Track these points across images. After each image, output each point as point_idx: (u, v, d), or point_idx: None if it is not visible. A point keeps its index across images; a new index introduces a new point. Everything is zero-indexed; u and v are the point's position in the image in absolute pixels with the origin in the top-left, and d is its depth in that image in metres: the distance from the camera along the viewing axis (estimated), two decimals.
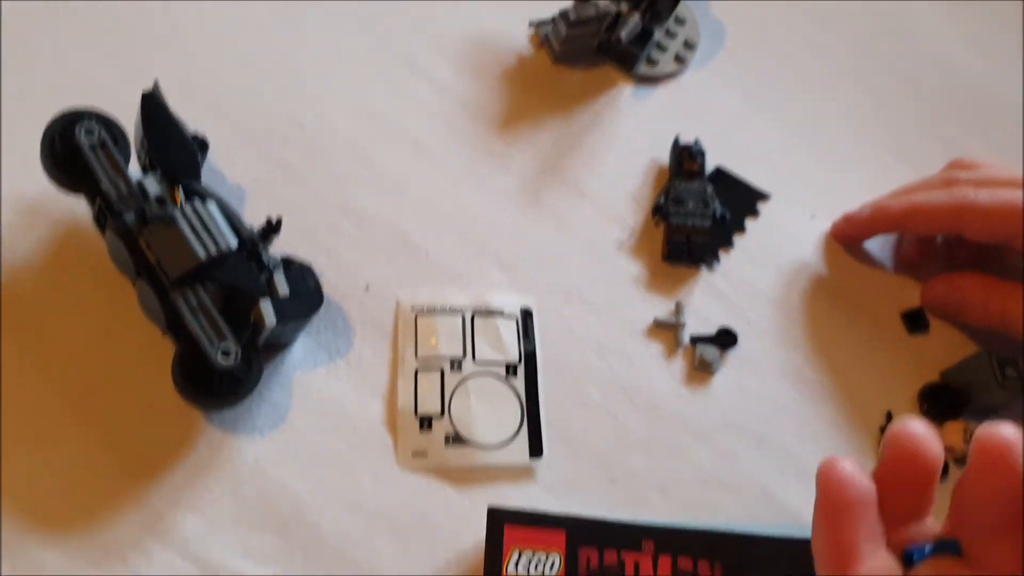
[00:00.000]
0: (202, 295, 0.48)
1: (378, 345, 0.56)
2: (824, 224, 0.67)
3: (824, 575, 0.38)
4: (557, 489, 0.54)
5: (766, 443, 0.57)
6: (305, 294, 0.52)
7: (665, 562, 0.52)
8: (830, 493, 0.40)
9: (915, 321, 0.64)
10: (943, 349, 0.63)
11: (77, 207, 0.54)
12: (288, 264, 0.52)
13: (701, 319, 0.61)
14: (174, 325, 0.48)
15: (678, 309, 0.60)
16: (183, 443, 0.51)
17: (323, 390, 0.54)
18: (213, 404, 0.49)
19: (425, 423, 0.54)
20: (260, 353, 0.50)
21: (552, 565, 0.50)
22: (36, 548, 0.48)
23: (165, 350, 0.50)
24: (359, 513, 0.51)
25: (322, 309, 0.56)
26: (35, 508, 0.49)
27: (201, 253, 0.47)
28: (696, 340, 0.59)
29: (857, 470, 0.40)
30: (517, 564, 0.49)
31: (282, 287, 0.50)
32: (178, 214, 0.48)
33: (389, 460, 0.53)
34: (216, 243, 0.48)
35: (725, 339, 0.59)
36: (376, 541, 0.51)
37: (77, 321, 0.54)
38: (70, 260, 0.55)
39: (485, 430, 0.54)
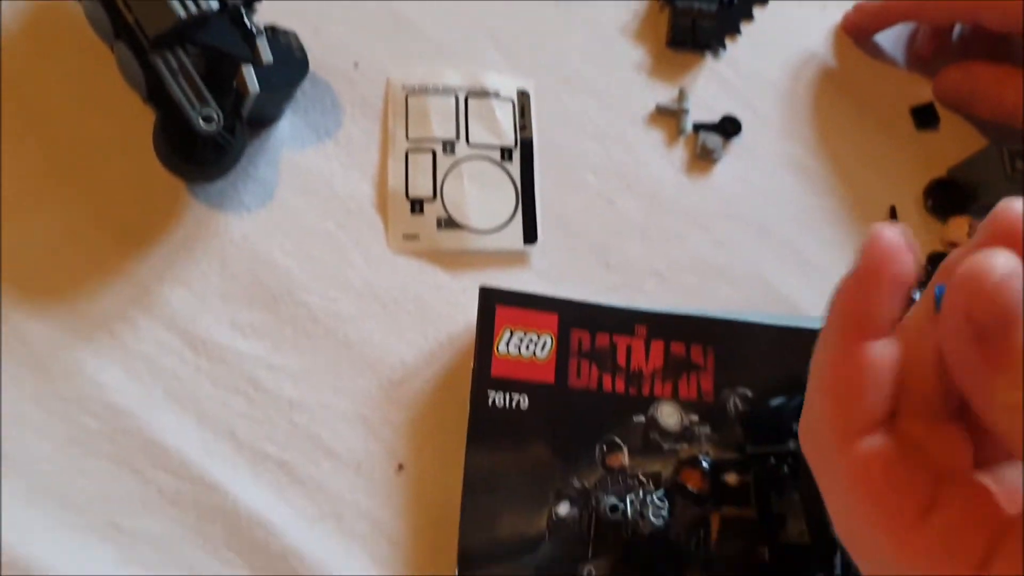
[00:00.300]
0: (183, 58, 0.45)
1: (368, 125, 0.54)
2: (835, 15, 0.63)
3: (832, 345, 0.31)
4: (551, 275, 0.53)
5: (766, 233, 0.56)
6: (290, 62, 0.49)
7: (657, 347, 0.52)
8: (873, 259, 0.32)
9: (924, 116, 0.61)
10: (952, 146, 0.61)
11: None
12: (272, 31, 0.50)
13: (704, 107, 0.58)
14: (155, 90, 0.46)
15: (681, 96, 0.58)
16: (169, 217, 0.50)
17: (312, 170, 0.52)
18: (196, 173, 0.47)
19: (416, 206, 0.53)
20: (244, 123, 0.48)
21: (544, 346, 0.50)
22: (21, 319, 0.47)
23: (148, 121, 0.48)
24: (350, 292, 0.51)
25: (309, 87, 0.53)
26: (19, 279, 0.47)
27: (180, 12, 0.44)
28: (699, 128, 0.57)
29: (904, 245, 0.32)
30: (508, 344, 0.49)
31: (265, 53, 0.47)
32: None
33: (380, 242, 0.52)
34: (196, 3, 0.45)
35: (728, 127, 0.57)
36: (367, 321, 0.50)
37: (57, 91, 0.51)
38: (48, 27, 0.52)
39: (478, 214, 0.53)
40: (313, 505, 0.47)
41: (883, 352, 0.30)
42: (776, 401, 0.49)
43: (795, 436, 0.47)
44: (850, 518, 0.30)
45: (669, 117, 0.57)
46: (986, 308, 0.26)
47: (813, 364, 0.32)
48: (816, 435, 0.31)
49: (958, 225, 0.57)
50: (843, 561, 0.47)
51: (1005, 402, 0.26)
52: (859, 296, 0.30)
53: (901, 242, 0.30)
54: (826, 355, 0.31)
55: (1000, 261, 0.26)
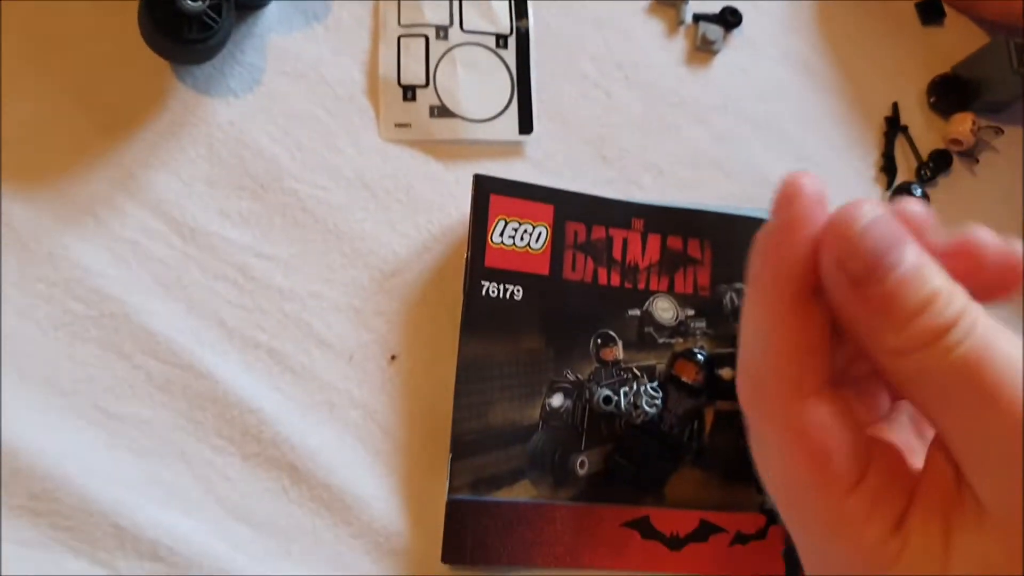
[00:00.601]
0: None
1: (358, 10, 0.52)
2: None
3: (775, 299, 0.27)
4: (546, 166, 0.52)
5: (765, 127, 0.55)
6: None
7: (654, 240, 0.51)
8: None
9: (929, 11, 0.60)
10: (956, 43, 0.59)
11: None
12: None
13: None
14: None
15: None
16: (155, 101, 0.48)
17: (300, 55, 0.51)
18: (182, 54, 0.46)
19: (409, 93, 0.51)
20: (231, 4, 0.46)
21: (538, 237, 0.49)
22: (5, 202, 0.45)
23: (132, 1, 0.46)
24: (340, 181, 0.49)
25: None
26: (3, 162, 0.46)
27: None
28: (699, 18, 0.56)
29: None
30: (502, 234, 0.48)
31: None
32: None
33: (371, 130, 0.51)
34: None
35: (729, 18, 0.56)
36: (358, 211, 0.49)
37: None
38: None
39: (473, 103, 0.52)
40: (305, 394, 0.47)
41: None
42: None
43: None
44: (787, 479, 0.28)
45: (668, 7, 0.56)
46: (855, 253, 0.25)
47: (750, 314, 0.28)
48: (759, 390, 0.28)
49: (960, 121, 0.56)
50: None
51: (892, 347, 0.26)
52: (791, 247, 0.27)
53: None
54: (769, 309, 0.27)
55: (865, 209, 0.25)
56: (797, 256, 0.26)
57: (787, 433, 0.27)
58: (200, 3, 0.44)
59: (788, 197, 0.27)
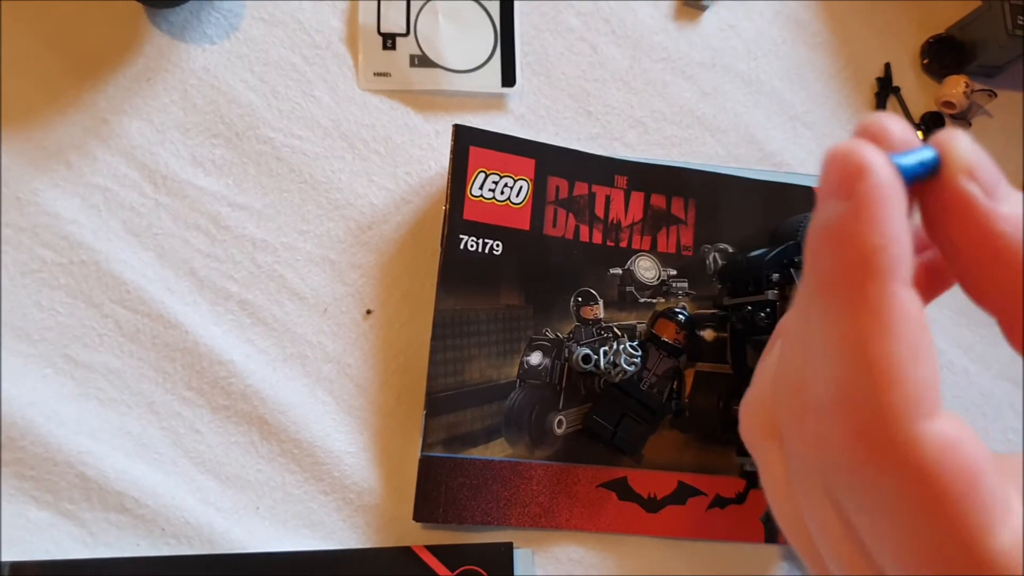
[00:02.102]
0: None
1: None
2: None
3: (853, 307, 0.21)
4: (529, 120, 0.51)
5: (754, 85, 0.54)
6: None
7: (637, 198, 0.50)
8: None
9: None
10: (951, 4, 0.58)
11: None
12: None
13: None
14: None
15: None
16: (129, 46, 0.47)
17: (278, 1, 0.50)
18: None
19: (388, 41, 0.50)
20: None
21: (519, 191, 0.48)
22: None
23: None
24: (316, 130, 0.48)
25: None
26: None
27: None
28: None
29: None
30: (482, 187, 0.47)
31: None
32: None
33: (349, 79, 0.50)
34: None
35: None
36: (334, 161, 0.48)
37: None
38: None
39: (454, 54, 0.50)
40: (277, 346, 0.46)
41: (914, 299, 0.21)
42: (756, 252, 0.48)
43: (775, 286, 0.46)
44: (924, 534, 0.21)
45: None
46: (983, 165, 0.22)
47: (832, 334, 0.21)
48: (873, 426, 0.21)
49: (954, 83, 0.55)
50: None
51: None
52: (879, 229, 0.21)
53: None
54: (865, 316, 0.21)
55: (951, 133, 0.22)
56: (887, 237, 0.21)
57: (919, 470, 0.21)
58: None
59: (852, 174, 0.21)
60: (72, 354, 0.44)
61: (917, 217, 0.23)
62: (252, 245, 0.46)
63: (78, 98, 0.46)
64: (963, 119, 0.56)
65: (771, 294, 0.46)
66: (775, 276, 0.46)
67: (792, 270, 0.46)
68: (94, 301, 0.44)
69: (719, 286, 0.50)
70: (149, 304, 0.45)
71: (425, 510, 0.44)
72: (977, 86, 0.56)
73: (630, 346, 0.47)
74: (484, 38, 0.51)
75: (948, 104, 0.55)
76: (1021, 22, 0.53)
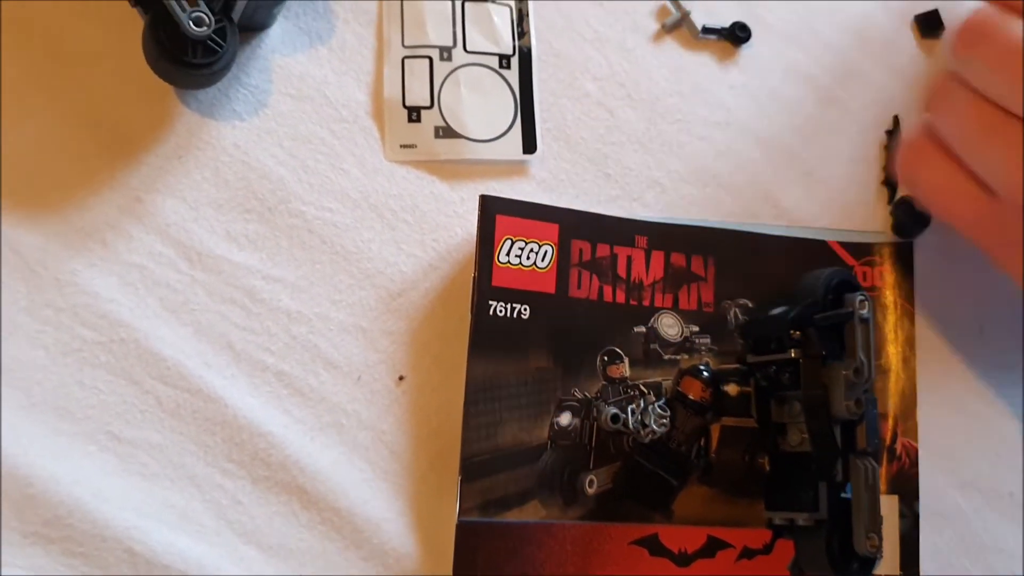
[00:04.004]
0: None
1: (362, 31, 0.52)
2: None
3: None
4: (551, 185, 0.53)
5: (767, 143, 0.55)
6: None
7: (658, 257, 0.51)
8: None
9: (928, 24, 0.60)
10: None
11: None
12: None
13: (708, 13, 0.57)
14: None
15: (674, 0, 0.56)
16: (160, 126, 0.49)
17: (304, 76, 0.51)
18: (187, 78, 0.46)
19: (413, 114, 0.51)
20: (235, 27, 0.47)
21: (544, 256, 0.49)
22: (12, 228, 0.46)
23: (136, 26, 0.46)
24: (346, 203, 0.50)
25: None
26: (9, 188, 0.46)
27: None
28: (707, 32, 0.56)
29: None
30: (509, 253, 0.48)
31: None
32: None
33: (376, 151, 0.51)
34: None
35: (739, 33, 0.56)
36: (364, 232, 0.50)
37: None
38: None
39: (477, 123, 0.52)
40: (313, 416, 0.47)
41: None
42: (777, 310, 0.49)
43: (794, 345, 0.47)
44: None
45: (673, 26, 0.56)
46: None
47: None
48: None
49: None
50: (843, 469, 0.47)
51: None
52: None
53: None
54: None
55: None
56: None
57: None
58: (205, 28, 0.44)
59: None
60: (115, 431, 0.45)
61: None
62: (287, 317, 0.48)
63: (112, 177, 0.48)
64: None
65: (794, 352, 0.47)
66: (797, 335, 0.47)
67: (813, 328, 0.47)
68: (134, 378, 0.45)
69: (741, 341, 0.51)
70: (188, 379, 0.46)
71: (464, 574, 0.45)
72: None
73: (659, 406, 0.48)
74: (505, 107, 0.52)
75: None
76: None
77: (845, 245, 0.54)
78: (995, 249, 0.49)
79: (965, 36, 0.45)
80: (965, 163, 0.46)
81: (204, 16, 0.44)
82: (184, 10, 0.44)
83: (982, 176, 0.45)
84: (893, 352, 0.53)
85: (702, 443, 0.49)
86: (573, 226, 0.50)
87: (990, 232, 0.48)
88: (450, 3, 0.53)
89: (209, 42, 0.45)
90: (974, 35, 0.44)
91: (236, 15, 0.46)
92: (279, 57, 0.51)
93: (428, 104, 0.51)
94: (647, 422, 0.48)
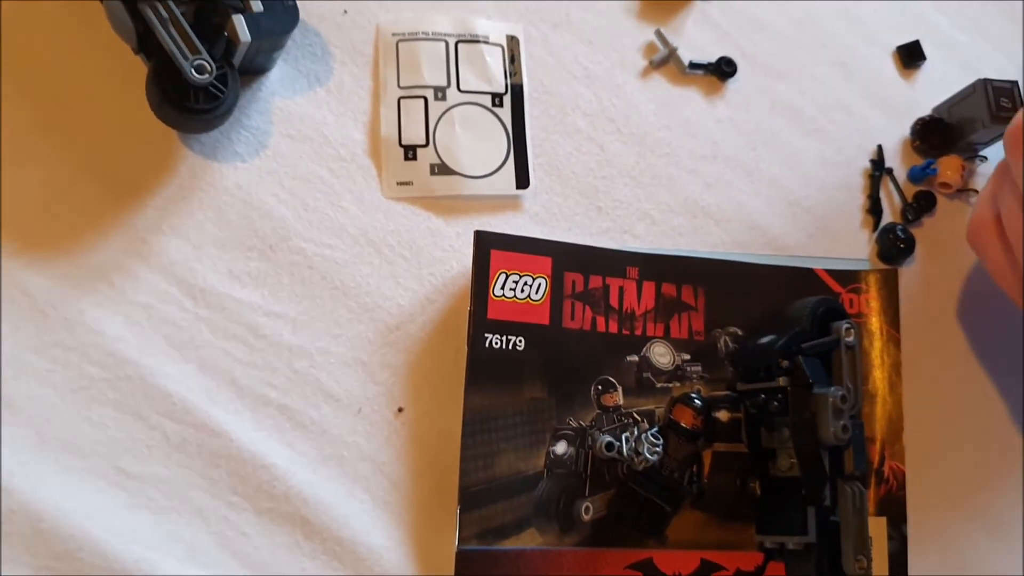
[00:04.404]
0: (173, 8, 0.45)
1: (359, 72, 0.54)
2: None
3: None
4: (543, 218, 0.54)
5: (754, 175, 0.57)
6: (279, 11, 0.49)
7: (649, 288, 0.53)
8: None
9: (910, 54, 0.62)
10: (937, 84, 0.61)
11: None
12: None
13: (694, 49, 0.58)
14: (146, 41, 0.46)
15: (660, 37, 0.57)
16: (163, 169, 0.50)
17: (304, 117, 0.53)
18: (190, 123, 0.48)
19: (410, 152, 0.53)
20: (236, 73, 0.48)
21: (538, 288, 0.51)
22: (20, 270, 0.47)
23: (140, 72, 0.48)
24: (345, 239, 0.51)
25: (299, 34, 0.53)
26: (17, 230, 0.48)
27: None
28: (694, 67, 0.57)
29: None
30: (503, 287, 0.50)
31: (255, 2, 0.47)
32: None
33: (374, 189, 0.52)
34: None
35: (725, 68, 0.57)
36: (363, 267, 0.51)
37: (47, 43, 0.51)
38: None
39: (471, 160, 0.53)
40: (315, 448, 0.48)
41: None
42: (765, 339, 0.50)
43: (783, 373, 0.48)
44: None
45: (661, 62, 0.57)
46: None
47: None
48: None
49: (947, 165, 0.58)
50: (832, 493, 0.48)
51: None
52: None
53: None
54: None
55: None
56: None
57: None
58: (207, 75, 0.46)
59: None
60: (123, 466, 0.46)
61: None
62: (289, 351, 0.49)
63: (118, 219, 0.49)
64: (963, 194, 0.59)
65: (781, 380, 0.48)
66: (785, 363, 0.48)
67: (800, 356, 0.48)
68: (141, 414, 0.47)
69: (731, 369, 0.52)
70: (193, 414, 0.47)
71: None
72: (972, 165, 0.59)
73: (651, 434, 0.50)
74: (498, 144, 0.54)
75: (944, 185, 0.58)
76: (1005, 104, 0.56)
77: (832, 273, 0.55)
78: None
79: (1010, 140, 0.46)
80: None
81: (206, 64, 0.45)
82: (186, 58, 0.45)
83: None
84: (880, 377, 0.54)
85: (694, 469, 0.51)
86: (566, 259, 0.51)
87: None
88: (444, 44, 0.55)
89: (211, 88, 0.46)
90: (1013, 140, 0.45)
91: (237, 61, 0.48)
92: (279, 99, 0.53)
93: (424, 142, 0.53)
94: (640, 450, 0.49)
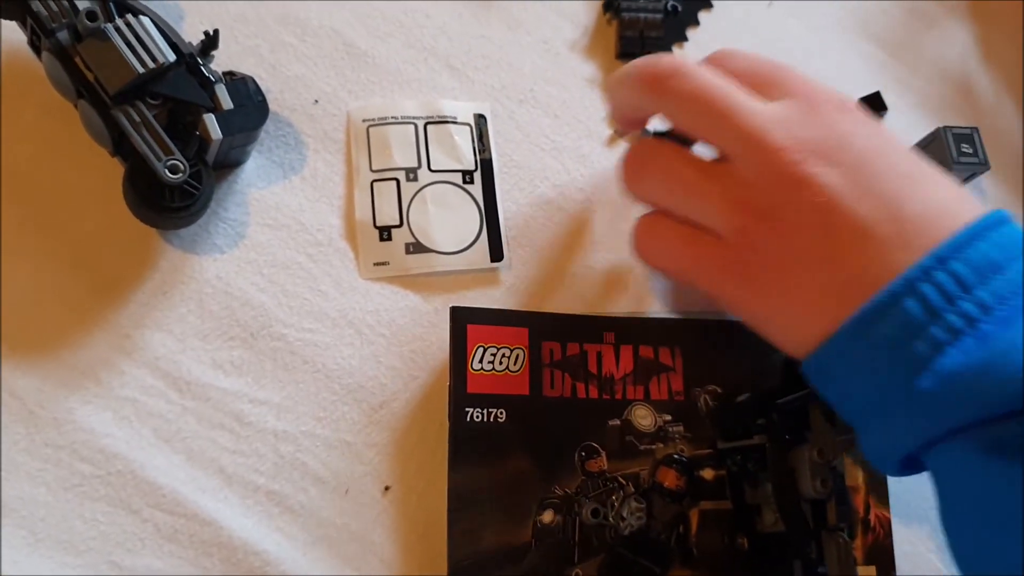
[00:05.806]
0: (145, 112, 0.47)
1: (332, 159, 0.56)
2: (781, 11, 0.65)
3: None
4: (518, 289, 0.55)
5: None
6: (249, 106, 0.51)
7: (627, 352, 0.54)
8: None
9: (873, 105, 0.63)
10: (900, 133, 0.62)
11: (11, 35, 0.53)
12: (230, 76, 0.51)
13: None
14: (120, 144, 0.48)
15: None
16: (144, 264, 0.52)
17: (280, 206, 0.54)
18: (167, 221, 0.49)
19: (384, 233, 0.54)
20: (210, 170, 0.50)
21: (516, 359, 0.52)
22: (7, 372, 0.48)
23: (118, 172, 0.49)
24: (325, 322, 0.52)
25: (272, 125, 0.55)
26: (2, 332, 0.49)
27: (138, 67, 0.46)
28: (658, 133, 0.59)
29: None
30: (482, 360, 0.51)
31: (225, 100, 0.49)
32: (111, 28, 0.47)
33: (351, 271, 0.54)
34: (152, 56, 0.47)
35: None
36: (344, 348, 0.52)
37: (25, 148, 0.52)
38: (11, 89, 0.54)
39: (445, 237, 0.55)
40: (304, 531, 0.49)
41: None
42: (741, 397, 0.51)
43: (760, 431, 0.49)
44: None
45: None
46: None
47: None
48: None
49: None
50: (817, 546, 0.48)
51: None
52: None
53: None
54: None
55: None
56: None
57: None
58: (180, 175, 0.47)
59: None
60: (117, 560, 0.47)
61: None
62: (274, 437, 0.50)
63: (102, 317, 0.51)
64: None
65: (758, 438, 0.49)
66: (761, 421, 0.49)
67: (776, 413, 0.49)
68: (132, 508, 0.48)
69: (712, 426, 0.53)
70: (183, 504, 0.48)
71: None
72: None
73: (634, 500, 0.50)
74: (470, 219, 0.55)
75: None
76: (966, 150, 0.58)
77: None
78: (741, 290, 0.46)
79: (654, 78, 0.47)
80: (685, 216, 0.47)
81: (179, 163, 0.47)
82: (160, 159, 0.47)
83: (702, 222, 0.46)
84: None
85: (681, 529, 0.51)
86: (542, 328, 0.52)
87: (732, 273, 0.46)
88: (413, 127, 0.56)
89: (186, 186, 0.48)
90: (664, 75, 0.46)
91: (210, 158, 0.50)
92: (255, 190, 0.54)
93: (398, 223, 0.54)
94: (626, 516, 0.50)
